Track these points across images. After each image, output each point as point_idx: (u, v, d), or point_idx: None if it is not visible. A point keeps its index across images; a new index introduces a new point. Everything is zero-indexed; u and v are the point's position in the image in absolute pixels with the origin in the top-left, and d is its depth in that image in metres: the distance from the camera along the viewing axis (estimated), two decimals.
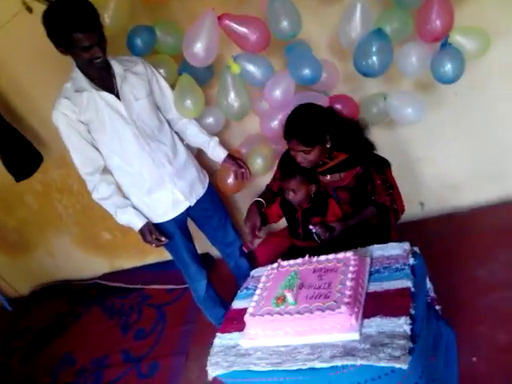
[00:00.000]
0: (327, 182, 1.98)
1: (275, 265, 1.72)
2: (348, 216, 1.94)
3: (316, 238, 1.89)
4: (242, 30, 1.92)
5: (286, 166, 1.98)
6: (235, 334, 1.57)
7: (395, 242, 1.67)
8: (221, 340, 1.59)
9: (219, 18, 1.91)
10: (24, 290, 3.85)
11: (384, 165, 1.94)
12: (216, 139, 2.16)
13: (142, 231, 1.96)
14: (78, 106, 1.80)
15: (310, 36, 2.10)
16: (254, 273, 1.91)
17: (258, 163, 2.29)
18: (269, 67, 2.06)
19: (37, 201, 3.27)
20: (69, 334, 3.15)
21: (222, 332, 1.63)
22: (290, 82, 2.04)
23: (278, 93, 2.04)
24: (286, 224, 2.13)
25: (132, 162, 1.93)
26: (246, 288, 1.82)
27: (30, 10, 2.30)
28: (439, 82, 1.93)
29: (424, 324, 1.37)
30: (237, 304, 1.75)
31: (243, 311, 1.56)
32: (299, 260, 1.68)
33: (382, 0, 1.95)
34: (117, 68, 1.86)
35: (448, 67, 1.84)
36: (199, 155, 2.30)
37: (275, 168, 2.18)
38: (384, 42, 1.82)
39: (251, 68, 2.02)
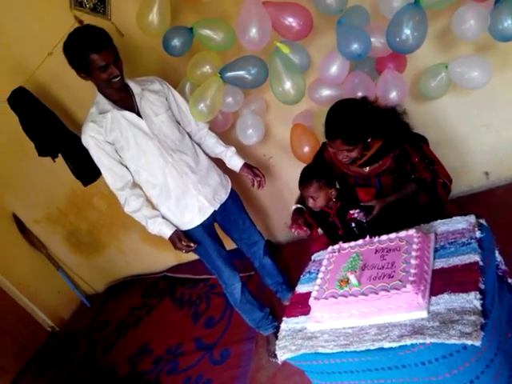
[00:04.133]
0: (367, 172, 1.94)
1: (336, 247, 1.71)
2: (386, 192, 1.89)
3: (356, 230, 1.87)
4: (285, 18, 1.93)
5: (303, 173, 1.97)
6: (301, 318, 1.59)
7: (453, 215, 1.60)
8: (287, 324, 1.61)
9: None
10: (99, 287, 4.11)
11: (420, 141, 1.88)
12: (233, 149, 2.25)
13: (171, 239, 2.06)
14: (103, 128, 1.93)
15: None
16: (315, 257, 1.91)
17: None
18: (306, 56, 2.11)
19: (104, 202, 3.46)
20: (143, 326, 3.32)
21: (288, 316, 1.65)
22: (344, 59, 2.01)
23: (334, 70, 2.05)
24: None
25: (157, 174, 2.03)
26: (309, 272, 1.82)
27: (81, 22, 2.42)
28: (499, 40, 1.81)
29: (496, 299, 1.31)
30: (300, 288, 1.76)
31: (307, 295, 1.58)
32: (360, 241, 1.66)
33: None
34: (134, 88, 1.98)
35: (508, 23, 1.72)
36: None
37: None
38: (419, 18, 1.73)
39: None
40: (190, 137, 2.19)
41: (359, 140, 1.79)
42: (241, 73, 2.11)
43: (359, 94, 2.05)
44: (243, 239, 2.38)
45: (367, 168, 1.93)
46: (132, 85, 1.99)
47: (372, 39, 1.94)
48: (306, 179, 1.93)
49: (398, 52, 1.88)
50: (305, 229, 1.92)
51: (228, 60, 2.16)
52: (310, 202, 1.94)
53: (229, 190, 2.26)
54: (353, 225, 1.90)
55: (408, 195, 1.88)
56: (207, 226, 2.18)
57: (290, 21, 1.94)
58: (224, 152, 2.25)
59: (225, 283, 2.30)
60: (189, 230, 2.14)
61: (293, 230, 1.94)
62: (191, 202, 2.11)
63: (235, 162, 2.25)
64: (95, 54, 1.77)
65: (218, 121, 2.38)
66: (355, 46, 1.87)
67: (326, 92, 2.24)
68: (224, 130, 2.51)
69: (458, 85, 2.05)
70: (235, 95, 2.28)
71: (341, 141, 1.78)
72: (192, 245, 2.08)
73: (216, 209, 2.18)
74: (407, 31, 1.74)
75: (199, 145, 2.23)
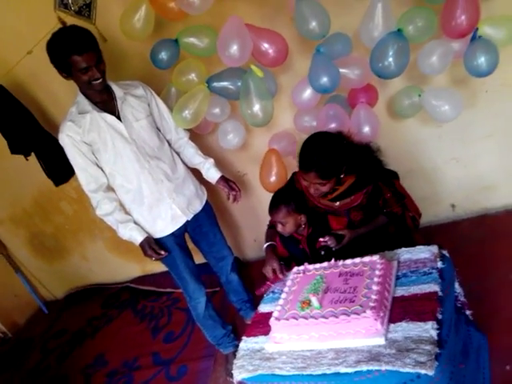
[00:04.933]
0: (338, 206, 1.95)
1: (301, 267, 1.71)
2: (357, 225, 1.90)
3: (323, 254, 1.86)
4: (261, 43, 1.96)
5: (273, 198, 1.96)
6: (261, 338, 1.57)
7: (420, 244, 1.63)
8: (246, 344, 1.59)
9: None
10: (59, 294, 3.99)
11: (392, 177, 1.92)
12: (211, 161, 2.25)
13: (142, 245, 2.03)
14: (81, 128, 1.91)
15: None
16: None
17: None
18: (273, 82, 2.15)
19: (72, 207, 3.38)
20: (101, 336, 3.23)
21: (248, 335, 1.63)
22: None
23: (305, 96, 2.09)
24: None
25: (132, 179, 2.01)
26: (273, 292, 1.82)
27: (64, 24, 2.40)
28: (473, 75, 1.90)
29: (452, 329, 1.34)
30: (263, 307, 1.76)
31: (269, 315, 1.57)
32: (325, 264, 1.67)
33: None
34: (117, 91, 1.98)
35: (481, 60, 1.82)
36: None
37: None
38: (402, 45, 1.80)
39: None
40: (170, 145, 2.18)
41: (333, 175, 1.81)
42: (227, 83, 2.12)
43: (333, 126, 2.08)
44: (212, 252, 2.36)
45: (337, 202, 1.93)
46: (115, 88, 1.98)
47: (346, 70, 1.99)
48: (274, 204, 1.93)
49: (380, 77, 1.92)
50: (281, 276, 1.83)
51: (213, 67, 2.17)
52: (279, 228, 1.93)
53: (204, 202, 2.25)
54: (322, 253, 1.89)
55: (378, 227, 1.90)
56: (178, 235, 2.16)
57: (266, 47, 1.96)
58: (202, 163, 2.24)
59: (189, 296, 2.27)
60: (160, 239, 2.11)
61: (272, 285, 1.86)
62: (164, 210, 2.09)
63: (212, 174, 2.24)
64: (77, 56, 1.75)
65: (200, 123, 2.34)
66: (324, 80, 1.92)
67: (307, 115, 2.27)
68: (203, 134, 2.50)
69: (429, 115, 2.10)
70: (223, 106, 2.27)
71: (315, 174, 1.79)
72: (162, 253, 2.04)
73: (189, 219, 2.16)
74: (390, 58, 1.81)
75: (178, 154, 2.22)
